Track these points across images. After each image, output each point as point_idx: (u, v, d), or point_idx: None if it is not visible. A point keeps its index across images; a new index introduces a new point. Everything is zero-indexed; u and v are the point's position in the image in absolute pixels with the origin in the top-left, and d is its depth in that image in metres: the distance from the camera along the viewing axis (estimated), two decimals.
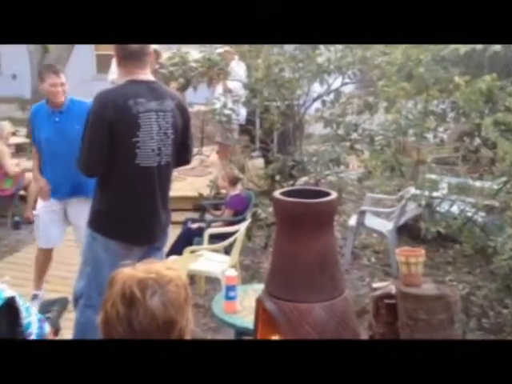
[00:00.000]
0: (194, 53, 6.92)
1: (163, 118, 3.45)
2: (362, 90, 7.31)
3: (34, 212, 5.07)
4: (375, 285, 4.06)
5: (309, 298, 2.77)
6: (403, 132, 6.28)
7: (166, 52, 6.98)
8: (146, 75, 3.49)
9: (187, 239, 5.68)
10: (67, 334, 3.75)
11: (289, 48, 6.89)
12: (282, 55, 6.73)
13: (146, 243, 3.63)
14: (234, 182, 6.07)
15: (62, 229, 4.97)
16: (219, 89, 7.90)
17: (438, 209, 5.94)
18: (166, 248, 5.11)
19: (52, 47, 10.60)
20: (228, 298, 3.89)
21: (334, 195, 2.89)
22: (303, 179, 6.54)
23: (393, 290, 3.70)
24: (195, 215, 6.42)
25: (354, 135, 6.39)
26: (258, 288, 3.85)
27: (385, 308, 3.69)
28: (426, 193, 5.52)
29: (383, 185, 6.63)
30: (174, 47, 7.09)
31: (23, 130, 9.87)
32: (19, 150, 9.48)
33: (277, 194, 2.92)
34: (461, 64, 6.05)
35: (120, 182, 3.44)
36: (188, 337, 1.72)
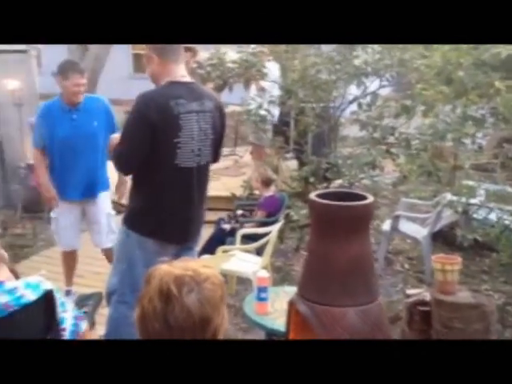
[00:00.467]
0: (231, 53, 6.93)
1: (203, 118, 3.47)
2: (399, 93, 7.22)
3: (52, 215, 4.94)
4: (409, 291, 4.00)
5: (342, 302, 2.74)
6: (441, 137, 6.18)
7: (204, 52, 6.99)
8: (184, 76, 3.52)
9: (220, 239, 5.69)
10: (100, 329, 3.79)
11: (326, 49, 6.85)
12: (319, 56, 6.70)
13: (181, 242, 3.65)
14: (267, 183, 6.07)
15: (79, 230, 4.95)
16: (254, 89, 7.90)
17: (474, 216, 5.84)
18: (199, 247, 5.14)
19: (92, 45, 10.71)
20: (259, 299, 3.88)
21: (371, 199, 2.85)
22: (337, 182, 6.49)
23: (427, 297, 3.66)
24: (228, 215, 6.41)
25: (391, 139, 6.32)
26: (289, 290, 3.83)
27: (419, 315, 3.64)
28: (463, 199, 5.43)
29: (418, 190, 6.55)
30: (211, 47, 7.10)
31: None
32: None
33: (312, 195, 2.89)
34: (502, 68, 5.94)
35: (158, 181, 3.46)
36: (222, 335, 1.72)
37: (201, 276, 1.68)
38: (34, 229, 6.62)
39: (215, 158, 3.75)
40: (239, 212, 6.36)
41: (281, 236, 6.05)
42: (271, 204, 5.98)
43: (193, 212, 3.62)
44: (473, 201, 5.52)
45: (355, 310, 2.75)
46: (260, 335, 4.12)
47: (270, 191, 6.08)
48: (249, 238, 5.55)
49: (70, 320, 2.57)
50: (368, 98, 6.63)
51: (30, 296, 2.45)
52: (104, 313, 3.88)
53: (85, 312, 2.79)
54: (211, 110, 3.54)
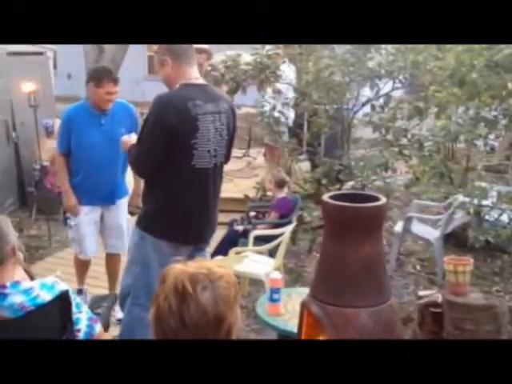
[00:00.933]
0: (245, 56, 6.96)
1: (219, 119, 3.52)
2: (412, 95, 7.23)
3: (71, 223, 4.77)
4: (421, 293, 4.02)
5: (355, 303, 2.76)
6: (453, 138, 6.19)
7: (218, 54, 7.04)
8: (198, 78, 3.57)
9: (232, 240, 5.72)
10: (115, 330, 3.82)
11: (339, 51, 6.88)
12: (333, 58, 6.72)
13: (195, 243, 3.68)
14: (280, 184, 6.09)
15: (98, 236, 4.89)
16: (269, 91, 7.93)
17: (486, 217, 5.84)
18: (211, 248, 5.17)
19: (107, 47, 10.79)
20: (272, 300, 3.90)
21: (383, 200, 2.87)
22: (350, 183, 6.51)
23: (439, 298, 3.67)
24: (241, 216, 6.45)
25: (403, 140, 6.33)
26: (302, 292, 3.86)
27: (430, 316, 3.66)
28: (475, 201, 5.43)
29: (430, 191, 6.54)
30: (225, 48, 7.14)
31: None
32: None
33: (326, 197, 2.92)
34: None
35: (175, 182, 3.49)
36: (236, 334, 1.74)
37: (215, 274, 1.70)
38: (48, 230, 6.67)
39: (227, 158, 3.79)
40: (252, 213, 6.39)
41: (293, 237, 6.07)
42: (284, 205, 6.00)
43: (208, 212, 3.65)
44: (485, 202, 5.52)
45: (367, 311, 2.76)
46: (272, 336, 4.14)
47: (283, 193, 6.11)
48: (261, 240, 5.57)
49: (84, 321, 2.59)
50: (381, 100, 6.65)
51: (46, 296, 2.47)
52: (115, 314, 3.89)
53: (98, 314, 2.82)
54: (226, 110, 3.59)
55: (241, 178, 8.54)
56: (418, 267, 6.12)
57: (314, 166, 7.36)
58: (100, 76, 4.54)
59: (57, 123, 7.35)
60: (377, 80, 6.53)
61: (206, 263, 1.76)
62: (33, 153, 7.57)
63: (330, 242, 2.89)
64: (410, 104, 6.44)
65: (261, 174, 8.18)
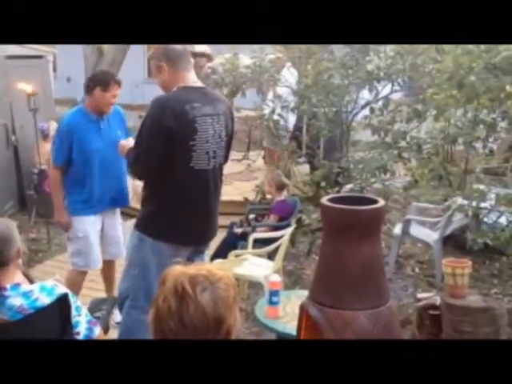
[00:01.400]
0: (244, 59, 6.98)
1: (217, 121, 3.54)
2: (411, 98, 7.25)
3: (79, 234, 4.55)
4: (420, 295, 4.03)
5: (353, 306, 2.77)
6: (452, 141, 6.21)
7: (217, 57, 7.06)
8: (196, 81, 3.59)
9: (232, 243, 5.73)
10: (114, 333, 3.81)
11: (339, 54, 6.89)
12: (332, 61, 6.73)
13: (194, 245, 3.70)
14: (280, 187, 6.10)
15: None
16: (269, 95, 7.95)
17: (485, 220, 5.85)
18: (211, 251, 5.18)
19: (107, 50, 10.82)
20: (271, 303, 3.91)
21: (381, 203, 2.88)
22: (348, 186, 6.52)
23: (437, 301, 3.68)
24: (240, 219, 6.45)
25: (402, 143, 6.34)
26: (301, 294, 3.87)
27: (429, 319, 3.67)
28: (474, 203, 5.44)
29: (429, 194, 6.56)
30: (224, 51, 7.17)
31: None
32: None
33: (324, 200, 2.93)
34: None
35: (174, 184, 3.50)
36: (235, 336, 1.75)
37: (214, 276, 1.71)
38: (48, 234, 6.67)
39: (225, 159, 3.80)
40: (251, 216, 6.40)
41: (293, 240, 6.08)
42: (283, 208, 6.01)
43: (208, 214, 3.67)
44: (483, 205, 5.53)
45: (366, 313, 2.77)
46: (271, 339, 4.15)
47: (282, 196, 6.12)
48: (261, 243, 5.58)
49: (84, 324, 2.60)
50: (380, 103, 6.67)
51: (45, 299, 2.48)
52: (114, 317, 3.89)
53: (98, 317, 2.82)
54: (224, 112, 3.62)
55: (240, 181, 8.55)
56: (417, 270, 6.13)
57: (314, 168, 7.37)
58: (107, 80, 4.48)
59: (52, 126, 7.36)
60: (376, 83, 6.55)
61: (205, 265, 1.77)
62: (32, 156, 7.58)
63: (329, 245, 2.90)
64: (408, 107, 6.47)
65: (260, 177, 8.20)
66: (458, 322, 3.47)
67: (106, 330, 2.83)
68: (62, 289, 2.56)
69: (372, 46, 6.52)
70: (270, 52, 7.08)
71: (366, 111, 6.78)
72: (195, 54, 4.18)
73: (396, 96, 7.13)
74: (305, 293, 3.22)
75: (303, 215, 6.15)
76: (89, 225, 4.55)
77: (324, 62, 6.81)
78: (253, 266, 5.30)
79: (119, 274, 3.94)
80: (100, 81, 4.47)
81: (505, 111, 5.74)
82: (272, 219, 6.01)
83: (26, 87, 6.81)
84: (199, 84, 3.63)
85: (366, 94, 6.80)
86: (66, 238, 4.75)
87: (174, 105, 3.42)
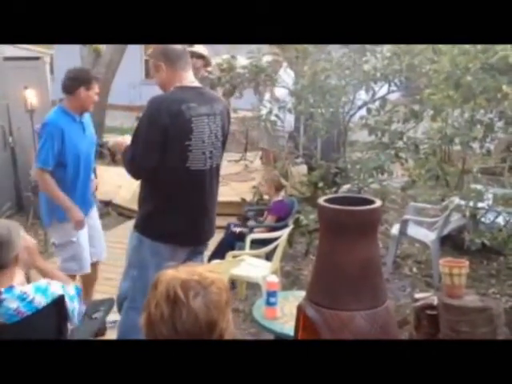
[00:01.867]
0: (241, 59, 6.98)
1: (214, 121, 3.54)
2: (408, 98, 7.25)
3: (73, 239, 4.46)
4: (417, 295, 4.03)
5: (350, 306, 2.77)
6: (449, 141, 6.21)
7: (214, 58, 7.06)
8: (193, 81, 3.59)
9: (229, 244, 5.73)
10: (112, 334, 3.81)
11: (335, 55, 6.90)
12: (329, 62, 6.73)
13: (193, 245, 3.70)
14: (278, 188, 6.11)
15: None
16: (266, 95, 7.95)
17: (482, 220, 5.86)
18: (209, 252, 5.18)
19: (104, 51, 10.82)
20: (269, 303, 3.91)
21: (378, 203, 2.89)
22: (346, 186, 6.52)
23: (435, 301, 3.68)
24: (238, 220, 6.46)
25: (399, 143, 6.34)
26: (298, 295, 3.87)
27: (426, 319, 3.67)
28: (471, 203, 5.44)
29: (427, 194, 6.57)
30: (222, 51, 7.16)
31: None
32: None
33: (321, 200, 2.93)
34: (510, 72, 5.95)
35: (170, 184, 3.51)
36: (228, 338, 1.75)
37: (206, 280, 1.70)
38: (45, 235, 6.67)
39: (221, 160, 3.81)
40: (249, 217, 6.40)
41: (290, 241, 6.08)
42: (281, 209, 6.02)
43: (205, 214, 3.67)
44: (481, 205, 5.54)
45: (363, 314, 2.77)
46: None
47: (280, 196, 6.13)
48: (258, 243, 5.58)
49: (77, 308, 2.61)
50: (377, 103, 6.66)
51: (41, 299, 2.48)
52: (115, 318, 3.89)
53: (96, 318, 2.83)
54: (221, 112, 3.63)
55: (237, 182, 8.55)
56: (415, 270, 6.14)
57: (311, 169, 7.37)
58: (89, 79, 4.46)
59: None
60: (372, 83, 6.54)
61: (197, 268, 1.76)
62: (29, 158, 7.56)
63: (326, 245, 2.91)
64: (405, 107, 6.46)
65: (257, 178, 8.20)
66: (455, 322, 3.48)
67: (103, 330, 2.83)
68: (55, 287, 2.55)
69: (369, 47, 6.52)
70: (267, 52, 7.07)
71: (363, 112, 6.77)
72: (193, 55, 4.18)
73: (393, 96, 7.13)
74: (302, 293, 3.22)
75: (301, 216, 6.14)
76: (80, 229, 4.49)
77: (321, 63, 6.81)
78: (250, 266, 5.30)
79: (118, 275, 3.93)
80: (83, 80, 4.41)
81: (502, 111, 5.74)
82: (269, 220, 6.02)
83: (23, 89, 6.81)
84: (196, 84, 3.64)
85: (362, 95, 6.80)
86: (52, 245, 4.58)
87: (170, 105, 3.43)
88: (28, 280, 2.63)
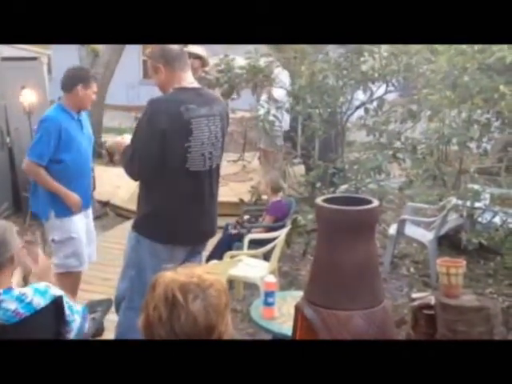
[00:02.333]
0: (239, 59, 6.99)
1: (213, 122, 3.55)
2: (405, 98, 7.27)
3: (73, 235, 4.46)
4: (414, 295, 4.04)
5: (348, 306, 2.78)
6: (446, 141, 6.23)
7: (212, 58, 7.06)
8: (192, 82, 3.59)
9: (227, 244, 5.73)
10: (110, 335, 3.81)
11: (333, 55, 6.91)
12: (327, 62, 6.74)
13: (191, 245, 3.71)
14: (276, 189, 6.11)
15: None
16: (263, 96, 7.95)
17: (479, 220, 5.87)
18: (207, 252, 5.18)
19: (102, 52, 10.83)
20: (266, 303, 3.91)
21: (375, 203, 2.90)
22: (344, 187, 6.53)
23: (432, 300, 3.69)
24: (236, 220, 6.46)
25: (397, 143, 6.36)
26: (296, 295, 3.87)
27: (424, 319, 3.67)
28: (468, 203, 5.46)
29: (424, 194, 6.58)
30: (219, 53, 7.17)
31: None
32: None
33: (319, 200, 2.94)
34: (507, 73, 5.98)
35: (170, 185, 3.51)
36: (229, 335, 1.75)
37: (205, 283, 1.69)
38: (42, 236, 6.66)
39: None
40: (247, 217, 6.41)
41: (288, 241, 6.09)
42: (279, 209, 6.02)
43: (204, 214, 3.67)
44: (478, 204, 5.56)
45: (361, 313, 2.78)
46: None
47: (278, 196, 6.13)
48: (256, 243, 5.58)
49: (77, 321, 2.61)
50: (374, 103, 6.68)
51: (40, 301, 2.48)
52: (112, 319, 3.89)
53: (94, 318, 2.83)
54: (220, 113, 3.63)
55: (236, 182, 8.56)
56: (412, 269, 6.15)
57: (309, 169, 7.38)
58: (88, 77, 4.49)
59: None
60: (370, 83, 6.56)
61: (196, 270, 1.75)
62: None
63: (324, 245, 2.91)
64: (403, 107, 6.48)
65: (256, 178, 8.21)
66: (452, 322, 3.48)
67: (100, 331, 2.83)
68: (55, 290, 2.56)
69: (366, 47, 6.53)
70: (265, 52, 7.07)
71: (361, 112, 6.79)
72: (190, 55, 4.18)
73: (390, 96, 7.16)
74: (300, 294, 3.22)
75: (299, 216, 6.16)
76: (79, 224, 4.51)
77: (319, 63, 6.82)
78: (248, 266, 5.30)
79: (116, 275, 3.94)
80: (81, 78, 4.44)
81: (499, 111, 5.76)
82: (267, 220, 6.02)
83: (21, 89, 6.81)
84: (195, 85, 3.64)
85: (360, 95, 6.82)
86: (51, 242, 4.55)
87: (168, 106, 3.43)
88: (26, 283, 2.63)
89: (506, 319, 4.51)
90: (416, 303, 3.77)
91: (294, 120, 8.09)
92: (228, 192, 7.83)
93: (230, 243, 5.76)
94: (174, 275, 1.71)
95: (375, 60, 6.67)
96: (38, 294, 2.50)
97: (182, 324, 1.64)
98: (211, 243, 5.01)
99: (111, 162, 10.52)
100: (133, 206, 4.61)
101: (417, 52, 6.45)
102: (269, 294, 3.91)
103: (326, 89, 6.68)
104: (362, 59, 6.64)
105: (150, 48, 3.68)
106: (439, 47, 6.13)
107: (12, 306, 2.42)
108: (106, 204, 8.27)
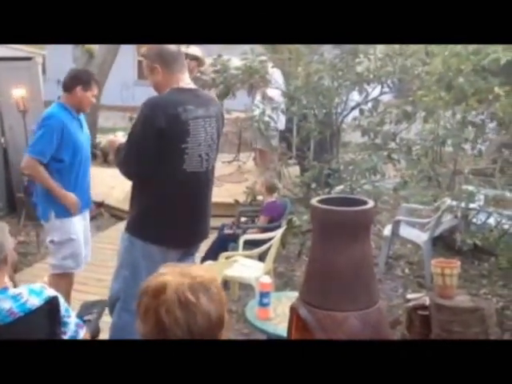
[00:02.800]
0: (235, 60, 6.98)
1: (209, 123, 3.54)
2: (400, 100, 7.28)
3: (72, 236, 4.45)
4: (409, 296, 4.05)
5: (343, 307, 2.79)
6: (441, 142, 6.25)
7: (207, 58, 7.06)
8: (189, 83, 3.58)
9: (222, 245, 5.73)
10: (105, 336, 3.79)
11: (328, 56, 6.92)
12: (322, 63, 6.75)
13: (184, 247, 3.69)
14: (271, 189, 6.11)
15: None
16: (257, 96, 7.95)
17: (474, 221, 5.88)
18: (201, 253, 5.18)
19: (97, 52, 10.82)
20: (262, 304, 3.91)
21: (370, 204, 2.90)
22: (339, 187, 6.54)
23: (427, 301, 3.70)
24: (231, 221, 6.46)
25: (392, 144, 6.37)
26: (291, 295, 3.87)
27: (418, 319, 3.69)
28: (463, 204, 5.47)
29: (419, 195, 6.60)
30: (215, 53, 7.16)
31: None
32: None
33: (314, 201, 2.94)
34: (501, 74, 5.99)
35: (166, 187, 3.49)
36: (225, 335, 1.77)
37: (207, 280, 1.76)
38: (37, 236, 6.65)
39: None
40: (242, 218, 6.41)
41: (283, 241, 6.09)
42: (274, 210, 6.02)
43: (199, 216, 3.66)
44: (472, 205, 5.57)
45: (356, 314, 2.79)
46: None
47: (273, 197, 6.13)
48: (251, 244, 5.59)
49: (72, 327, 2.60)
50: (369, 105, 6.70)
51: (35, 301, 2.48)
52: (107, 320, 3.88)
53: (89, 320, 2.82)
54: (216, 114, 3.62)
55: (231, 183, 8.55)
56: (407, 270, 6.16)
57: (304, 170, 7.37)
58: (88, 80, 4.46)
59: None
60: (365, 85, 6.57)
61: (194, 270, 1.79)
62: (22, 158, 7.53)
63: (319, 246, 2.92)
64: (398, 108, 6.49)
65: (251, 179, 8.19)
66: (447, 322, 3.50)
67: (96, 333, 2.82)
68: (50, 291, 2.55)
69: (361, 48, 6.54)
70: (261, 53, 7.07)
71: (356, 113, 6.80)
72: (186, 56, 4.16)
73: (385, 98, 7.17)
74: (295, 294, 3.23)
75: (294, 217, 6.16)
76: (78, 225, 4.50)
77: (314, 64, 6.82)
78: (243, 267, 5.30)
79: (110, 276, 3.92)
80: (81, 80, 4.43)
81: (493, 113, 5.79)
82: (262, 220, 6.02)
83: (15, 89, 6.79)
84: (192, 86, 3.62)
85: (355, 96, 6.83)
86: (50, 243, 4.55)
87: (166, 107, 3.41)
88: (14, 284, 2.62)
89: (500, 320, 4.53)
90: (411, 304, 3.78)
91: (290, 121, 8.09)
92: (223, 193, 7.81)
93: (225, 244, 5.76)
94: (179, 278, 1.74)
95: (370, 61, 6.68)
96: (34, 294, 2.49)
97: (198, 323, 1.69)
98: (206, 244, 5.01)
99: (105, 162, 10.51)
100: (127, 207, 4.58)
101: (412, 53, 6.47)
102: (264, 295, 3.91)
103: (322, 90, 6.69)
104: (357, 60, 6.65)
105: (145, 47, 3.66)
106: (434, 49, 6.15)
107: (7, 305, 2.42)
108: (100, 205, 8.26)
